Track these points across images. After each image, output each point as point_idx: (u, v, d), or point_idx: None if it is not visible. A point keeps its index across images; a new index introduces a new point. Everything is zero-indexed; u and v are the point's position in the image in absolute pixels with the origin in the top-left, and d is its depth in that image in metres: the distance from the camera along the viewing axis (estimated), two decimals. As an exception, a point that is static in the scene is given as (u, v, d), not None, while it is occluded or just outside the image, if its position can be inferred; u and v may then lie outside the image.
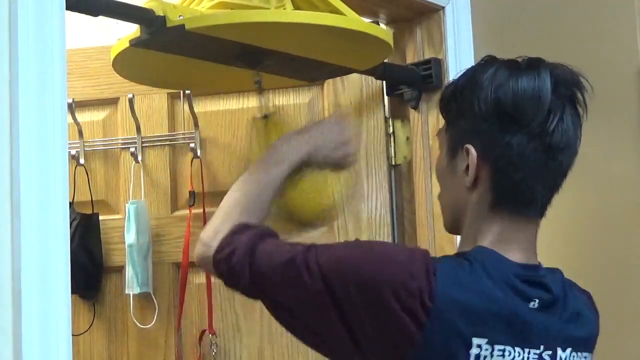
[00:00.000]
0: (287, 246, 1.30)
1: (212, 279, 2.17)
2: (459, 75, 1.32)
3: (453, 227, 1.33)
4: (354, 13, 1.79)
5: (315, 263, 1.22)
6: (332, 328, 1.20)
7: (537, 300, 1.22)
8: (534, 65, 1.26)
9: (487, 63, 1.29)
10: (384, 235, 2.15)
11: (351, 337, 1.18)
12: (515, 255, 1.24)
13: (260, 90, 1.85)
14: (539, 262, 1.29)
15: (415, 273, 1.15)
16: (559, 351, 1.23)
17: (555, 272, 1.30)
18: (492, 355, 1.16)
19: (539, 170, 1.25)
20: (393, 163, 2.19)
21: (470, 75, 1.28)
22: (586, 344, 1.30)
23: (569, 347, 1.25)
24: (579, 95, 1.27)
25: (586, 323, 1.31)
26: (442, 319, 1.14)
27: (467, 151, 1.26)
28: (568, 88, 1.26)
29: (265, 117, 1.79)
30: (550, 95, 1.23)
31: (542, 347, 1.21)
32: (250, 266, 1.29)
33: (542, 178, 1.26)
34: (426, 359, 1.15)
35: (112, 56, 1.79)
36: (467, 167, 1.26)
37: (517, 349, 1.19)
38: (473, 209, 1.27)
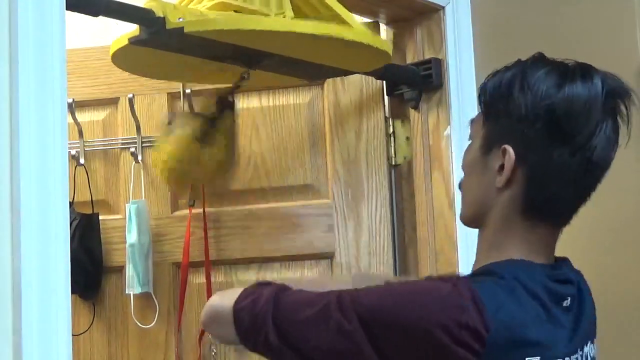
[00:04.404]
0: (315, 294, 1.23)
1: (213, 278, 2.18)
2: (506, 67, 1.25)
3: (473, 221, 1.29)
4: (354, 19, 1.79)
5: (352, 310, 1.16)
6: None
7: (569, 298, 1.22)
8: (587, 73, 1.21)
9: (537, 61, 1.24)
10: (384, 235, 2.15)
11: None
12: (541, 260, 1.23)
13: (239, 84, 1.86)
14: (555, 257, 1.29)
15: (464, 305, 1.12)
16: (585, 348, 1.24)
17: (566, 261, 1.30)
18: None
19: (574, 184, 1.22)
20: (393, 163, 2.19)
21: (520, 73, 1.22)
22: (595, 330, 1.31)
23: (589, 340, 1.26)
24: (623, 108, 1.23)
25: (592, 310, 1.31)
26: (497, 345, 1.11)
27: (505, 151, 1.21)
28: (615, 100, 1.22)
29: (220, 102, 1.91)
30: (600, 108, 1.19)
31: (578, 351, 1.22)
32: (275, 314, 1.21)
33: (575, 191, 1.23)
34: None
35: (112, 51, 1.80)
36: (501, 166, 1.22)
37: (566, 359, 1.19)
38: (502, 210, 1.23)
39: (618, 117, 1.23)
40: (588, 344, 1.25)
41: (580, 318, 1.24)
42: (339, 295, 1.19)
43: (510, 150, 1.21)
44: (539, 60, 1.25)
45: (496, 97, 1.25)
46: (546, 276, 1.21)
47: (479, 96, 1.28)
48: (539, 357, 1.14)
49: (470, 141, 1.31)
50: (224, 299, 1.29)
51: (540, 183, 1.21)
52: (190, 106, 2.20)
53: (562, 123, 1.19)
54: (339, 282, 1.48)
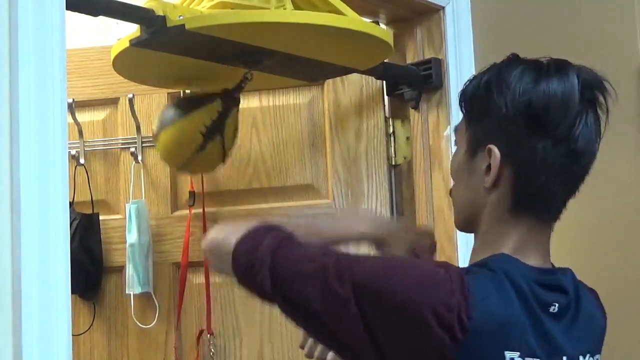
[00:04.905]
0: (317, 250, 1.26)
1: (211, 279, 2.17)
2: (482, 71, 1.28)
3: (466, 225, 1.31)
4: (354, 13, 1.79)
5: (348, 274, 1.18)
6: (356, 339, 1.18)
7: (556, 305, 1.22)
8: (562, 68, 1.24)
9: (512, 62, 1.26)
10: (384, 235, 2.15)
11: (377, 351, 1.17)
12: (533, 261, 1.24)
13: (243, 82, 1.87)
14: (552, 264, 1.29)
15: (453, 290, 1.14)
16: (581, 358, 1.24)
17: (566, 271, 1.29)
18: None
19: (561, 175, 1.23)
20: (393, 163, 2.19)
21: (496, 74, 1.25)
22: (598, 346, 1.30)
23: (588, 352, 1.25)
24: (601, 99, 1.25)
25: (597, 326, 1.31)
26: (478, 334, 1.13)
27: (490, 151, 1.23)
28: (592, 92, 1.24)
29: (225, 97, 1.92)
30: (577, 100, 1.22)
31: (564, 358, 1.21)
32: (272, 263, 1.24)
33: (563, 182, 1.24)
34: None
35: (113, 56, 1.80)
36: (488, 167, 1.23)
37: None
38: (492, 211, 1.25)
39: (598, 109, 1.25)
40: (587, 357, 1.25)
41: (571, 327, 1.24)
42: (338, 259, 1.21)
43: (495, 149, 1.23)
44: (513, 60, 1.27)
45: (476, 99, 1.27)
46: (533, 279, 1.21)
47: (460, 102, 1.31)
48: (518, 353, 1.16)
49: (456, 148, 1.33)
50: (228, 236, 1.31)
51: (527, 178, 1.23)
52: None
53: (542, 116, 1.21)
54: (339, 225, 1.49)
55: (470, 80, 1.30)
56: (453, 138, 1.34)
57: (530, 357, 1.16)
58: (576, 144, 1.22)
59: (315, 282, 1.20)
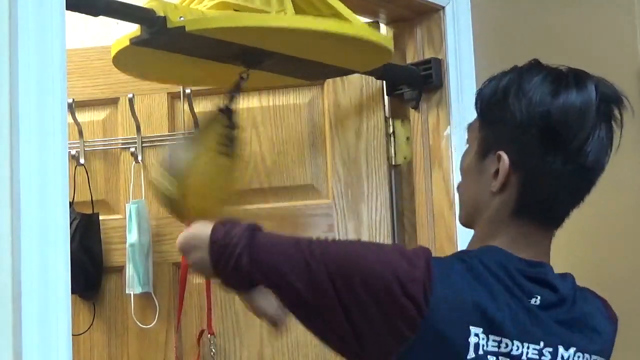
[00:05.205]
0: (287, 235, 1.30)
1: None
2: (502, 73, 1.28)
3: (468, 221, 1.33)
4: (355, 16, 1.79)
5: (319, 252, 1.22)
6: (333, 317, 1.20)
7: (538, 297, 1.22)
8: (581, 81, 1.24)
9: (533, 68, 1.26)
10: (384, 235, 2.15)
11: (353, 330, 1.19)
12: (524, 255, 1.24)
13: (239, 85, 1.83)
14: (550, 266, 1.29)
15: (416, 263, 1.18)
16: (561, 349, 1.23)
17: (565, 276, 1.30)
18: (487, 345, 1.17)
19: (567, 189, 1.24)
20: (393, 163, 2.19)
21: (516, 80, 1.25)
22: (596, 349, 1.29)
23: (573, 347, 1.24)
24: (617, 113, 1.25)
25: (597, 331, 1.30)
26: (441, 308, 1.16)
27: (500, 158, 1.24)
28: (609, 105, 1.24)
29: (225, 110, 1.79)
30: (594, 114, 1.22)
31: (542, 343, 1.21)
32: (250, 241, 1.27)
33: (569, 195, 1.26)
34: (426, 345, 1.16)
35: (113, 53, 1.79)
36: (496, 172, 1.24)
37: (516, 342, 1.19)
38: (493, 213, 1.26)
39: (612, 122, 1.26)
40: (571, 350, 1.24)
41: (556, 323, 1.23)
42: (311, 241, 1.26)
43: (504, 156, 1.24)
44: (535, 66, 1.27)
45: (492, 103, 1.27)
46: (516, 269, 1.22)
47: (476, 102, 1.31)
48: (481, 329, 1.17)
49: (468, 145, 1.33)
50: (202, 228, 1.34)
51: (534, 188, 1.24)
52: (190, 106, 2.20)
53: (557, 130, 1.21)
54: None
55: (490, 81, 1.29)
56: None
57: (494, 334, 1.18)
58: (586, 159, 1.22)
59: (291, 259, 1.24)
